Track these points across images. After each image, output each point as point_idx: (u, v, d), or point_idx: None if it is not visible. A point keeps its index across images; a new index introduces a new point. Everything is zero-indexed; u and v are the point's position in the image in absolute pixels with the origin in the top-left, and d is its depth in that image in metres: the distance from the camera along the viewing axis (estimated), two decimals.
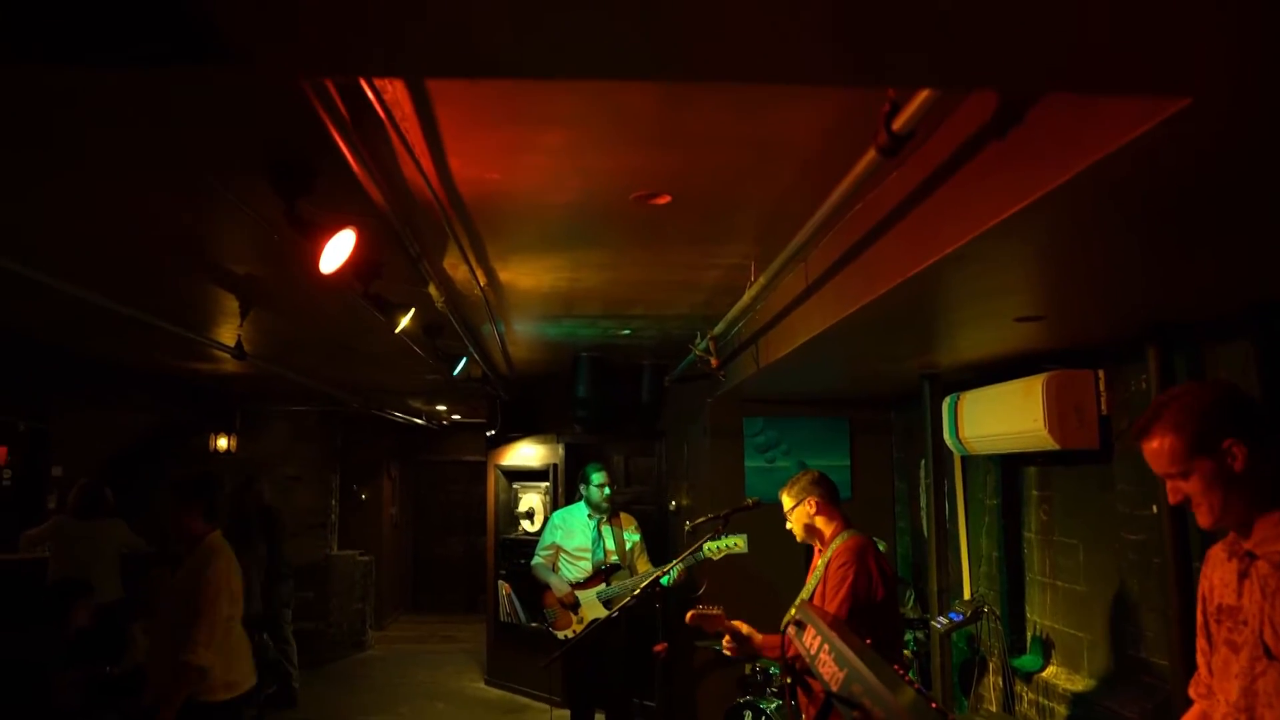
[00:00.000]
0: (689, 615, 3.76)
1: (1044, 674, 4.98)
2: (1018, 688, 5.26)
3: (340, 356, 6.74)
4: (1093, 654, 4.61)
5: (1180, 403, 2.01)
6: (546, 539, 6.36)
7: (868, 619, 3.37)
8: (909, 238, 2.81)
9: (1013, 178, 2.10)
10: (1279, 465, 1.94)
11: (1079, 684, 4.68)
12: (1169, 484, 2.04)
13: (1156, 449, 2.02)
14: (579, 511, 6.30)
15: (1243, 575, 1.98)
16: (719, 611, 3.69)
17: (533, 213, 3.36)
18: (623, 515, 6.38)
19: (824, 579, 3.55)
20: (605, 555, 6.11)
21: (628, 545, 6.20)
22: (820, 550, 3.75)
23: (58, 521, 6.58)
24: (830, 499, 3.74)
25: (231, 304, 4.84)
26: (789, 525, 3.85)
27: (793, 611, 3.75)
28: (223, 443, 9.30)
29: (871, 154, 2.10)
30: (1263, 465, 1.93)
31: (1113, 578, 4.36)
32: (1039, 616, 5.17)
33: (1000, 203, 2.17)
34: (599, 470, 6.25)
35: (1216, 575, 2.09)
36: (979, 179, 2.30)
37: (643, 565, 6.25)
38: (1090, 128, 1.68)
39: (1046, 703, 4.92)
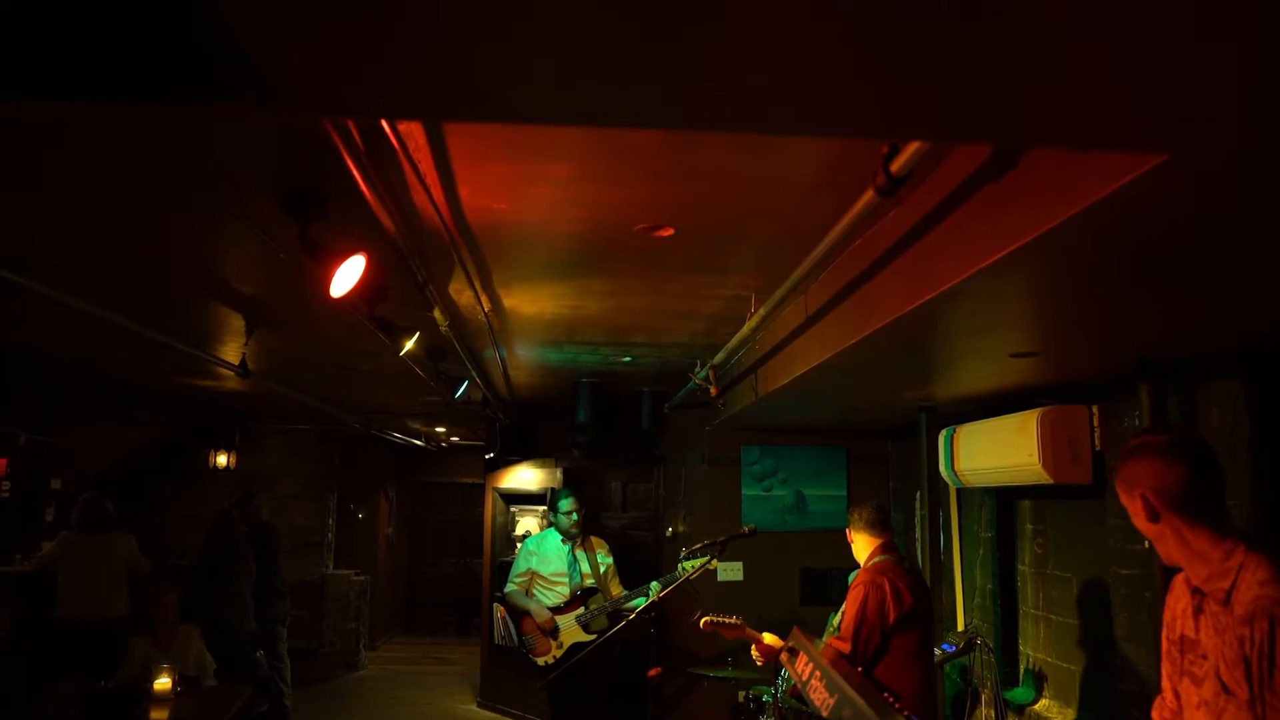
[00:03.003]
0: (703, 621, 3.78)
1: (1036, 706, 5.00)
2: None
3: (343, 377, 6.77)
4: (1085, 687, 4.63)
5: (1144, 442, 2.17)
6: (520, 565, 6.37)
7: (881, 638, 3.47)
8: (907, 274, 2.87)
9: (1007, 219, 2.16)
10: (1215, 513, 2.06)
11: (1070, 717, 4.69)
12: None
13: (1115, 481, 2.21)
14: (553, 537, 6.33)
15: (1198, 610, 2.07)
16: (739, 621, 3.72)
17: (538, 242, 3.42)
18: (593, 539, 6.42)
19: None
20: (582, 579, 6.14)
21: (601, 569, 6.23)
22: None
23: (66, 537, 6.57)
24: (868, 528, 3.91)
25: (237, 323, 4.88)
26: None
27: (830, 629, 3.83)
28: (222, 459, 9.32)
29: (869, 194, 2.16)
30: (1193, 525, 2.05)
31: (1105, 611, 4.39)
32: (1032, 649, 5.19)
33: (995, 243, 2.23)
34: (568, 498, 6.29)
35: (1179, 606, 2.18)
36: (975, 219, 2.36)
37: (615, 588, 6.28)
38: (1080, 175, 1.75)
39: None
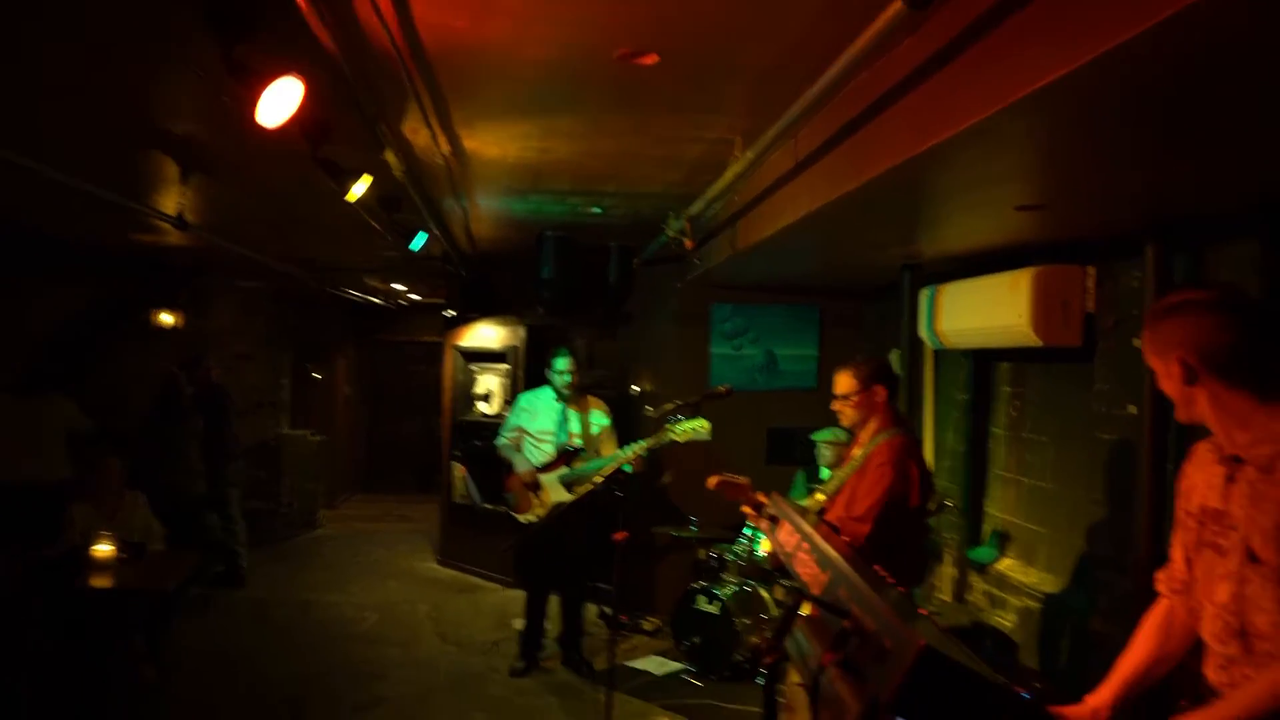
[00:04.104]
0: (713, 480, 3.59)
1: (999, 565, 5.01)
2: (971, 578, 5.31)
3: (291, 229, 6.39)
4: (1051, 549, 4.62)
5: (1188, 299, 1.93)
6: (511, 421, 6.21)
7: (897, 523, 3.32)
8: (914, 115, 2.59)
9: (1044, 47, 1.89)
10: (1263, 376, 1.86)
11: (1033, 576, 4.71)
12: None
13: (1144, 338, 2.01)
14: (546, 394, 6.12)
15: (1229, 479, 1.92)
16: (746, 481, 3.54)
17: (502, 69, 3.05)
18: (590, 399, 6.22)
19: (860, 472, 3.44)
20: (569, 438, 5.98)
21: (594, 429, 6.05)
22: (859, 442, 3.62)
23: None
24: (880, 389, 3.56)
25: (171, 170, 4.48)
26: (835, 406, 3.66)
27: (820, 497, 3.66)
28: (168, 319, 8.89)
29: (897, 5, 1.86)
30: (1235, 388, 1.86)
31: (1082, 476, 4.32)
32: (999, 511, 5.17)
33: (1025, 76, 1.96)
34: (564, 357, 6.04)
35: (1200, 475, 2.03)
36: (1005, 47, 2.07)
37: (608, 450, 6.11)
38: None
39: (999, 593, 4.97)
